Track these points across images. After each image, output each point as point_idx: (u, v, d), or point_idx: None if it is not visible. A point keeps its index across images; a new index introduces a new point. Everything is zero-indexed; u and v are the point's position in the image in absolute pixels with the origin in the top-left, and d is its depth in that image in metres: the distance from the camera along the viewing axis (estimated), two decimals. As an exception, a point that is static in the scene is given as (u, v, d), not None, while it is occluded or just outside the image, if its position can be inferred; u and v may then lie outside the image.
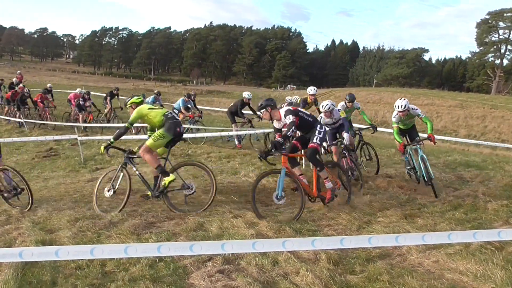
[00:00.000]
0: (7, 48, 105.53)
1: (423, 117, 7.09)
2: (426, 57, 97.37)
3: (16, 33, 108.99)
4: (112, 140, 6.01)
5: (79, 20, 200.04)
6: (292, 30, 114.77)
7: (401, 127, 7.57)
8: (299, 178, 5.69)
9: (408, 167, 7.55)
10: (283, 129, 6.83)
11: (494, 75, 78.20)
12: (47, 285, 3.54)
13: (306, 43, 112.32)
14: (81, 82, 47.22)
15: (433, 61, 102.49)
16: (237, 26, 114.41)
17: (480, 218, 5.60)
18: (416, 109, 7.14)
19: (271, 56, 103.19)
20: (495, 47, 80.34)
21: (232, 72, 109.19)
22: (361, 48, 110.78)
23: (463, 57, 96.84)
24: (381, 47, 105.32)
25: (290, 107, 5.83)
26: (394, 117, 7.34)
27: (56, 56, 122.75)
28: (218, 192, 6.04)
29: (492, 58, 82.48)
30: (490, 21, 78.78)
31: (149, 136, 6.11)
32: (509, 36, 78.23)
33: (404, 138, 7.68)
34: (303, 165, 8.58)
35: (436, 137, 7.24)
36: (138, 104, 6.32)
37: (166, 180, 5.78)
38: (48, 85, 20.59)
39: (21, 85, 18.75)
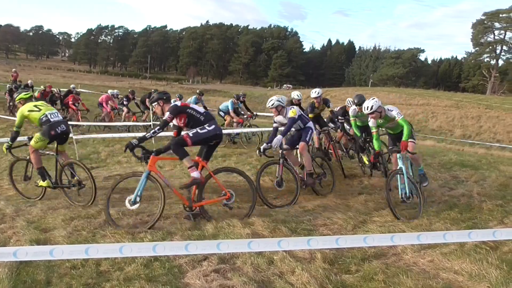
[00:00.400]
0: (2, 46, 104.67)
1: (400, 120, 6.14)
2: (422, 57, 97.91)
3: (11, 30, 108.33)
4: (10, 142, 5.98)
5: (75, 18, 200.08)
6: (289, 30, 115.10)
7: (390, 132, 6.76)
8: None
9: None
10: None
11: (490, 76, 78.69)
12: (41, 284, 3.52)
13: (302, 43, 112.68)
14: (76, 81, 46.86)
15: (429, 61, 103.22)
16: (233, 25, 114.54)
17: (475, 217, 5.65)
18: (392, 110, 6.23)
19: (267, 55, 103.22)
20: (490, 47, 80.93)
21: (228, 71, 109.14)
22: (357, 48, 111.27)
23: (459, 58, 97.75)
24: (377, 47, 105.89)
25: (178, 103, 5.41)
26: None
27: (52, 54, 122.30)
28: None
29: (488, 59, 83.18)
30: (485, 22, 79.23)
31: None
32: (504, 36, 78.83)
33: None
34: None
35: (431, 137, 7.20)
36: (27, 100, 6.03)
37: (41, 183, 5.88)
38: (72, 85, 19.61)
39: (48, 84, 18.09)
